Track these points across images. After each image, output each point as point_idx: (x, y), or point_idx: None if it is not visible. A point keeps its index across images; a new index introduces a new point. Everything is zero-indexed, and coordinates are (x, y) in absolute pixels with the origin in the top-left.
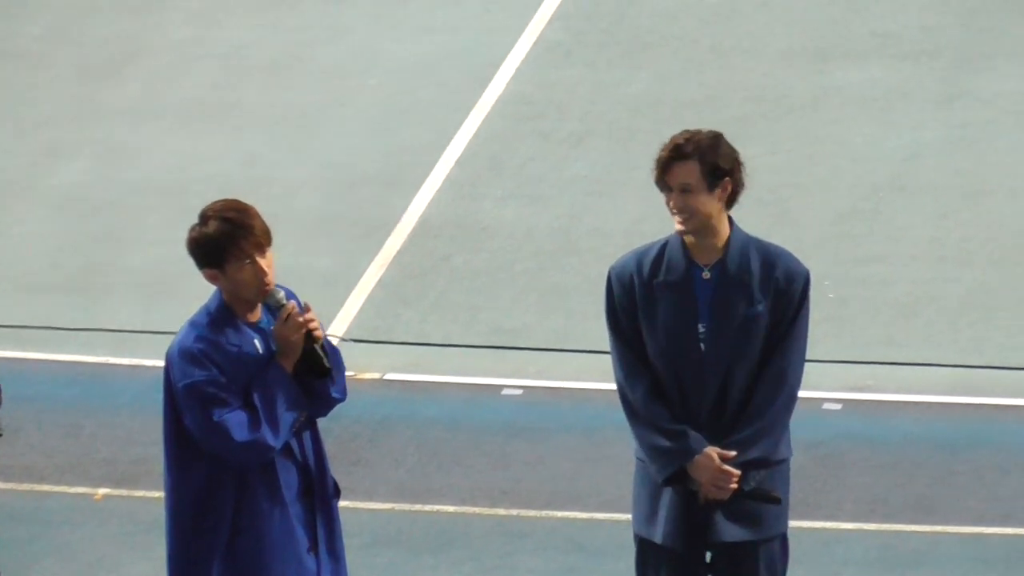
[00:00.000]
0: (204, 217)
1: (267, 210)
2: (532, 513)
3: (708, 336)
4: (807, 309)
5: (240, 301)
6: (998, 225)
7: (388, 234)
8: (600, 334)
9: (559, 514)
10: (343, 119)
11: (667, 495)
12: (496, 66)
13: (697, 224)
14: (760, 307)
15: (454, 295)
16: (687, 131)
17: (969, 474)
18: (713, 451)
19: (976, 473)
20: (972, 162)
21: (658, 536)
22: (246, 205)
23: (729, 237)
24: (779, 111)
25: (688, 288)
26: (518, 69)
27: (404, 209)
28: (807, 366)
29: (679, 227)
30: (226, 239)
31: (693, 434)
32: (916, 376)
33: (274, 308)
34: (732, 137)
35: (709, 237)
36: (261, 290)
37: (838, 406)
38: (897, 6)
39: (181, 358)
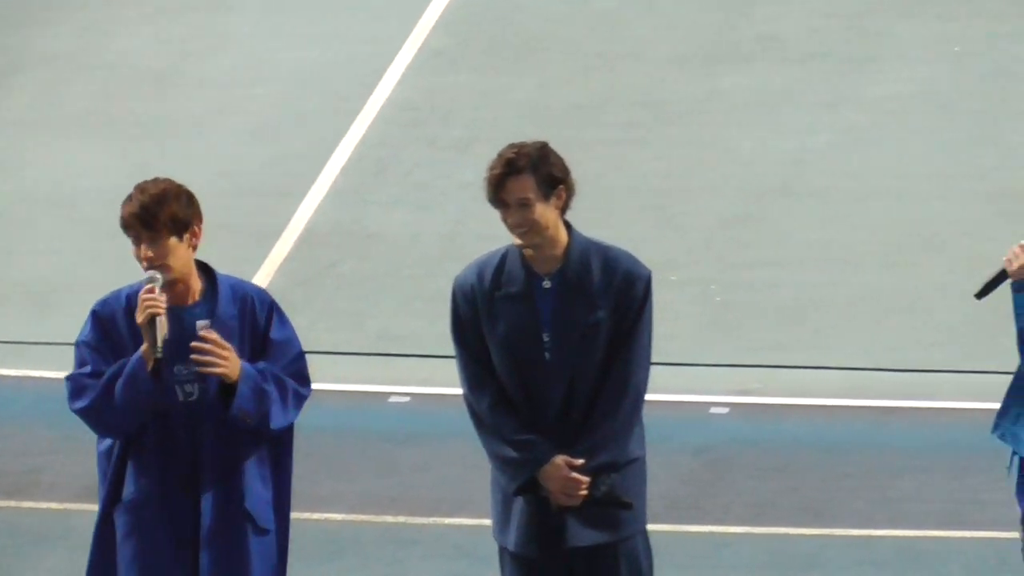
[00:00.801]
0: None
1: None
2: (420, 520)
3: (552, 345)
4: (649, 311)
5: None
6: (885, 228)
7: (275, 241)
8: None
9: (447, 521)
10: (229, 128)
11: (519, 502)
12: (381, 73)
13: (537, 237)
14: (601, 313)
15: (341, 302)
16: (513, 145)
17: (858, 477)
18: (561, 459)
19: (864, 476)
20: (859, 165)
21: (511, 543)
22: None
23: (568, 244)
24: (666, 116)
25: (530, 299)
26: (403, 76)
27: (290, 216)
28: (694, 370)
29: (519, 242)
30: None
31: (541, 442)
32: (804, 379)
33: None
34: (617, 142)
35: (548, 248)
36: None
37: (725, 410)
38: (782, 10)
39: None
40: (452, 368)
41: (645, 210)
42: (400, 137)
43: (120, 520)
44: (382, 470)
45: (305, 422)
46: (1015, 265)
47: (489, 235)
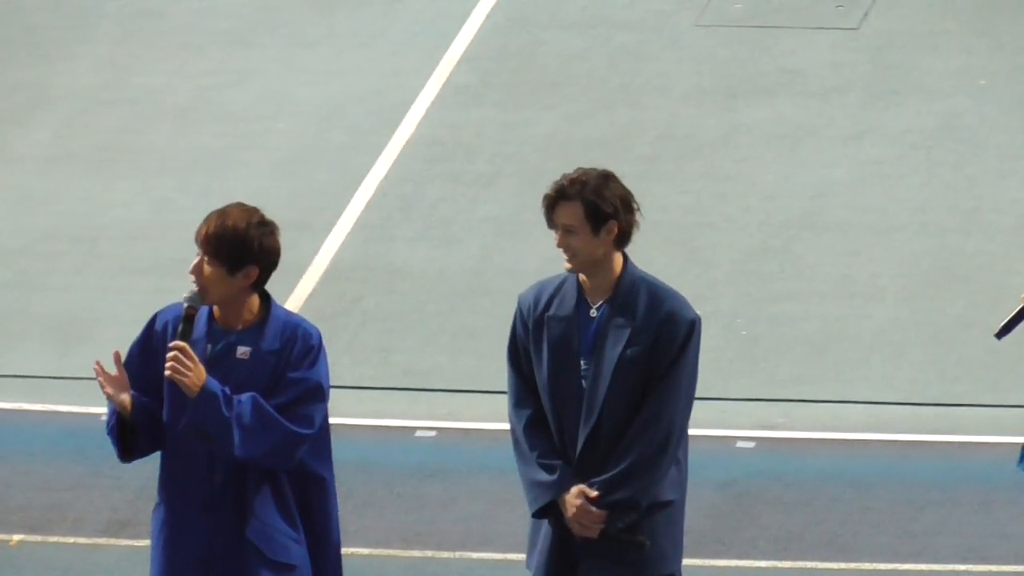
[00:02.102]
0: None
1: (178, 255)
2: (446, 555)
3: (588, 374)
4: (693, 355)
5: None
6: (908, 261)
7: (299, 277)
8: None
9: (473, 555)
10: (252, 163)
11: (545, 528)
12: (405, 108)
13: (581, 263)
14: (638, 349)
15: (366, 337)
16: (579, 169)
17: (882, 511)
18: (577, 489)
19: (889, 510)
20: (881, 199)
21: (532, 567)
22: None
23: (620, 276)
24: (688, 149)
25: (574, 324)
26: (427, 111)
27: (315, 252)
28: (720, 404)
29: (566, 265)
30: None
31: (567, 469)
32: (828, 413)
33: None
34: (641, 176)
35: (598, 276)
36: None
37: (751, 444)
38: (805, 43)
39: None
40: (478, 403)
41: (669, 244)
42: (424, 172)
43: (152, 521)
44: (408, 505)
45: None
46: None
47: (514, 269)
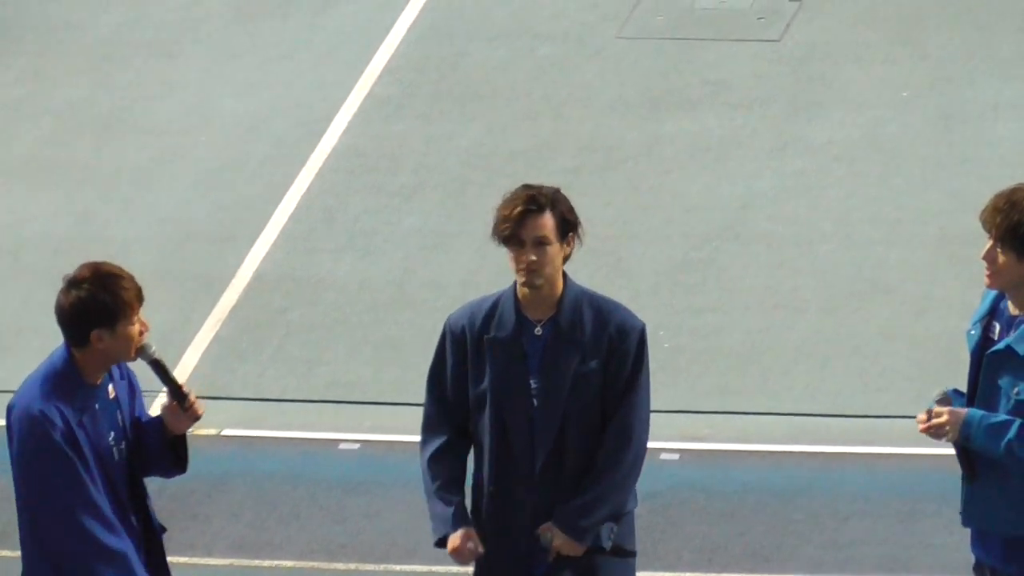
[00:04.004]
0: (81, 280)
1: None
2: (370, 567)
3: (540, 393)
4: (647, 364)
5: (102, 362)
6: (831, 273)
7: (223, 289)
8: None
9: (397, 567)
10: (176, 175)
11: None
12: (329, 120)
13: (547, 278)
14: (593, 364)
15: (290, 349)
16: (528, 185)
17: (806, 522)
18: (463, 532)
19: (813, 520)
20: (805, 210)
21: None
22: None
23: (563, 292)
24: (612, 161)
25: (518, 344)
26: (350, 123)
27: (239, 264)
28: None
29: (529, 282)
30: (119, 298)
31: (462, 506)
32: (752, 425)
33: (148, 361)
34: (564, 188)
35: (547, 292)
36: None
37: (675, 456)
38: (727, 55)
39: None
40: (401, 415)
41: (592, 256)
42: (347, 184)
43: None
44: (332, 517)
45: (255, 469)
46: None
47: (437, 281)
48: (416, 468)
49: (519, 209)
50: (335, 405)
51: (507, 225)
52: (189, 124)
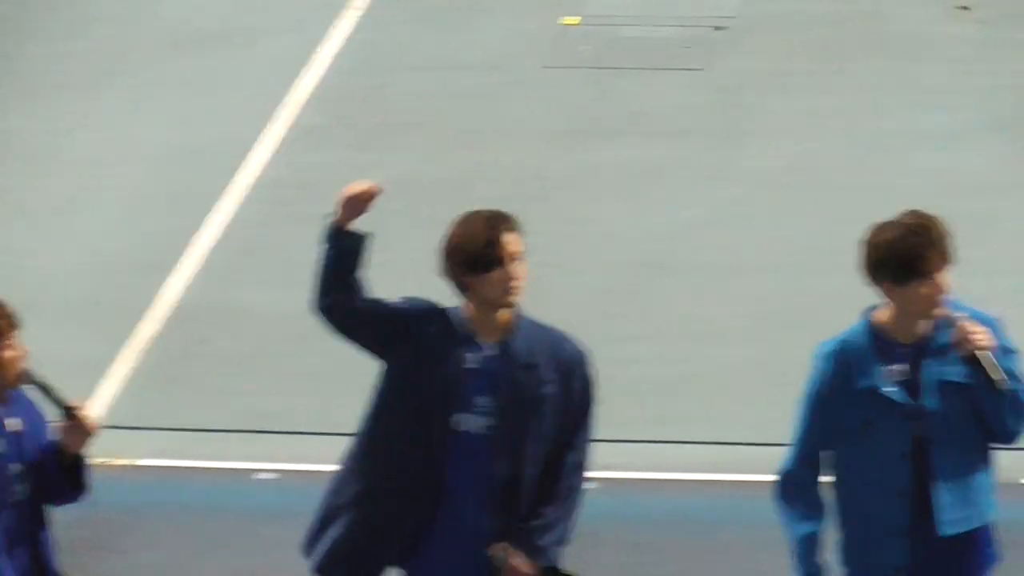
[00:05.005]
0: None
1: (22, 299)
2: None
3: (495, 412)
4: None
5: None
6: (755, 302)
7: (142, 320)
8: (355, 417)
9: None
10: (100, 206)
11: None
12: (252, 150)
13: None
14: (551, 387)
15: (210, 379)
16: (478, 210)
17: (727, 551)
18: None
19: (734, 550)
20: (729, 239)
21: None
22: None
23: (514, 315)
24: (536, 191)
25: (459, 358)
26: (274, 153)
27: (159, 294)
28: None
29: (514, 300)
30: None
31: None
32: (674, 454)
33: (32, 384)
34: None
35: (505, 313)
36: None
37: (595, 485)
38: (653, 84)
39: None
40: (320, 445)
41: None
42: (270, 214)
43: None
44: (249, 547)
45: (173, 499)
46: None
47: None
48: None
49: (500, 228)
50: (253, 435)
51: (491, 248)
52: (113, 155)
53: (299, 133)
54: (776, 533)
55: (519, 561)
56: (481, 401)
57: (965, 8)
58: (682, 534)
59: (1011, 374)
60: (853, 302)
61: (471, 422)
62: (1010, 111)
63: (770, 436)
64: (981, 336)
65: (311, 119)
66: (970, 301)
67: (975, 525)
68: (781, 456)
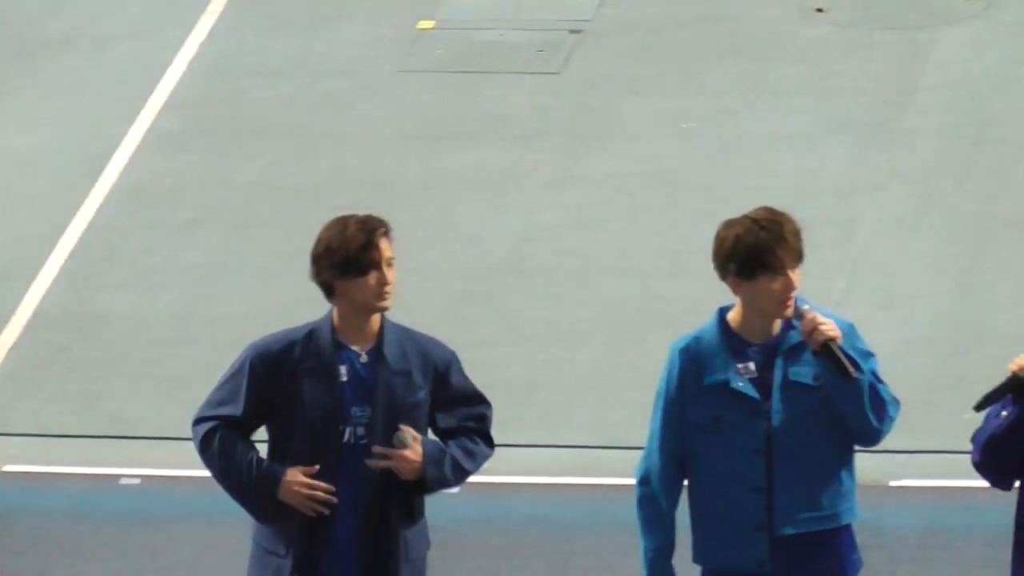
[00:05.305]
0: None
1: None
2: None
3: (368, 420)
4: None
5: None
6: (612, 305)
7: (3, 326)
8: None
9: None
10: None
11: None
12: (109, 156)
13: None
14: (422, 394)
15: (72, 385)
16: (351, 215)
17: (587, 554)
18: (297, 471)
19: (594, 554)
20: (585, 243)
21: None
22: None
23: (382, 321)
24: (392, 195)
25: (334, 372)
26: (131, 159)
27: (19, 301)
28: None
29: (387, 305)
30: None
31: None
32: (533, 457)
33: None
34: None
35: (374, 319)
36: None
37: (454, 489)
38: (508, 88)
39: None
40: (183, 450)
41: None
42: (128, 220)
43: None
44: (114, 553)
45: (37, 505)
46: None
47: (218, 316)
48: (198, 504)
49: (375, 232)
50: (117, 440)
51: (368, 251)
52: None
53: (155, 139)
54: (636, 537)
55: (413, 456)
56: (356, 411)
57: (820, 10)
58: (541, 537)
59: (874, 375)
60: (710, 305)
61: (349, 433)
62: (866, 113)
63: (628, 439)
64: (830, 327)
65: (168, 125)
66: (830, 303)
67: (821, 528)
68: (639, 458)
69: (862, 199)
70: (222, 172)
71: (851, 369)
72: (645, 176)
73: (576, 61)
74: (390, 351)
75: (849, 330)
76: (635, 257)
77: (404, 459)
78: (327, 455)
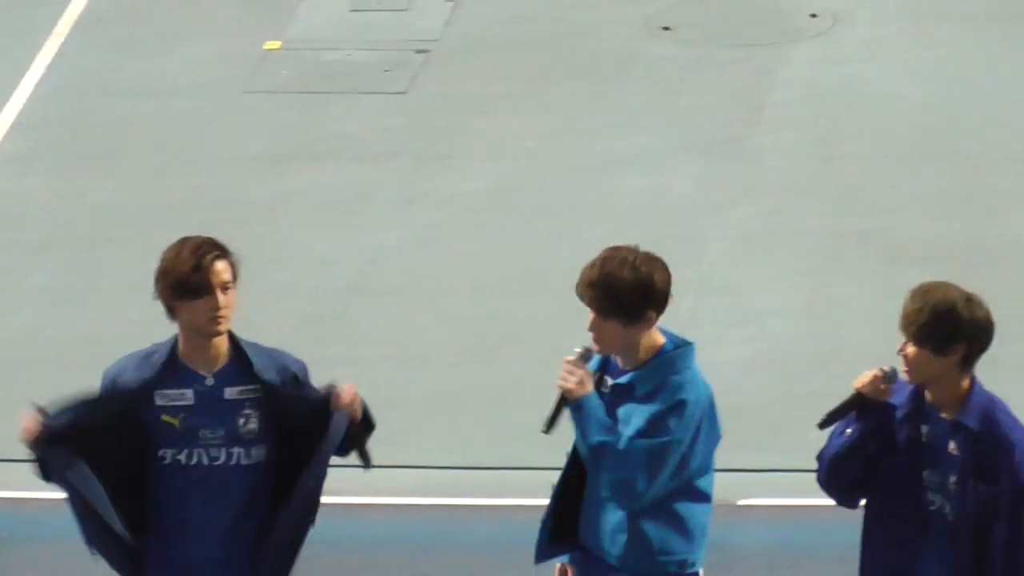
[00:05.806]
0: None
1: None
2: None
3: (221, 440)
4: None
5: None
6: (461, 325)
7: None
8: None
9: None
10: None
11: None
12: None
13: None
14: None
15: None
16: (188, 237)
17: (441, 574)
18: None
19: (446, 574)
20: (433, 263)
21: None
22: None
23: (231, 339)
24: (241, 216)
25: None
26: None
27: None
28: None
29: (219, 329)
30: None
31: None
32: (381, 478)
33: None
34: None
35: (220, 341)
36: None
37: None
38: (354, 108)
39: None
40: (28, 472)
41: None
42: None
43: None
44: None
45: None
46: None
47: (66, 339)
48: (47, 524)
49: (209, 256)
50: None
51: (199, 274)
52: None
53: (2, 160)
54: (491, 557)
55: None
56: (207, 433)
57: (667, 28)
58: (393, 559)
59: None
60: (558, 324)
61: (199, 455)
62: (714, 131)
63: (477, 459)
64: (567, 380)
65: (15, 146)
66: (678, 322)
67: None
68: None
69: (710, 217)
70: (71, 193)
71: (544, 426)
72: (492, 195)
73: (423, 81)
74: (244, 367)
75: (689, 352)
76: (483, 276)
77: (348, 391)
78: (188, 479)
